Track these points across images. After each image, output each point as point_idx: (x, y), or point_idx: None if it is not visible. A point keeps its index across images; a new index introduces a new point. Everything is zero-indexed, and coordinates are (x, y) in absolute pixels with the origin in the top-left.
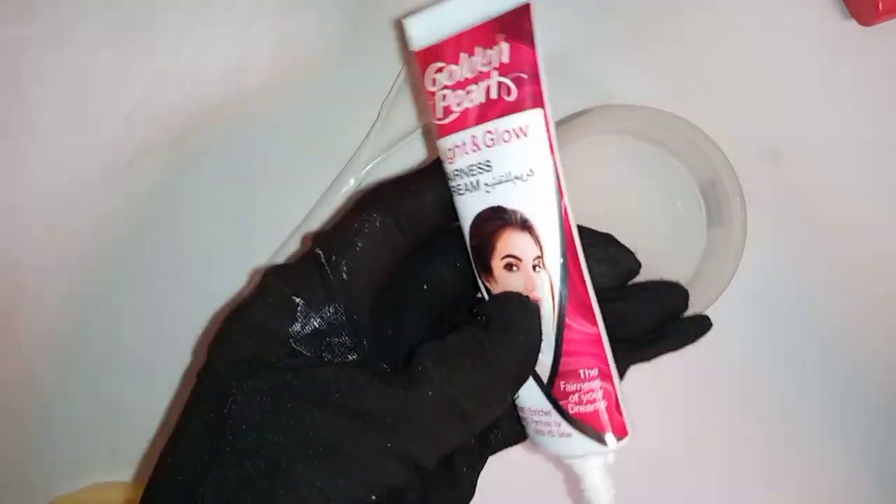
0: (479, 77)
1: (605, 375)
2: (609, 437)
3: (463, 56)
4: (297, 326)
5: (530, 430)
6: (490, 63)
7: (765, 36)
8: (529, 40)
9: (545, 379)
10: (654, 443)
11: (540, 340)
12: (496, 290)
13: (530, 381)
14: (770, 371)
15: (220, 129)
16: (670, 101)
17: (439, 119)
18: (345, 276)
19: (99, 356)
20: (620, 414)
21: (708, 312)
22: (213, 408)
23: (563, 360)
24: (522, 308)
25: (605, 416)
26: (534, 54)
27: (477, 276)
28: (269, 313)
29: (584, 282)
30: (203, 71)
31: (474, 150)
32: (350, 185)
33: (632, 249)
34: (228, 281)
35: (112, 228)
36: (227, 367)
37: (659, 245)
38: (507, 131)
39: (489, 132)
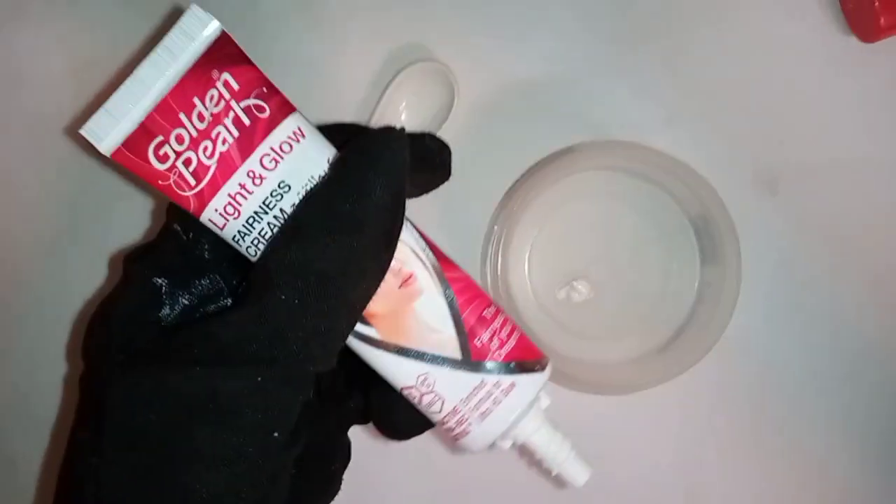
0: (217, 118)
1: (498, 308)
2: (545, 359)
3: (182, 116)
4: (165, 310)
5: (473, 433)
6: (222, 99)
7: (762, 55)
8: (246, 60)
9: (459, 355)
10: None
11: (405, 173)
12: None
13: (448, 377)
14: (772, 410)
15: None
16: (662, 128)
17: (195, 186)
18: (206, 250)
19: None
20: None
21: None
22: (95, 407)
23: (465, 316)
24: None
25: (529, 341)
26: (258, 70)
27: None
28: (134, 301)
29: (428, 240)
30: None
31: (258, 183)
32: None
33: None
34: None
35: None
36: (103, 362)
37: (652, 285)
38: (285, 141)
39: (266, 154)
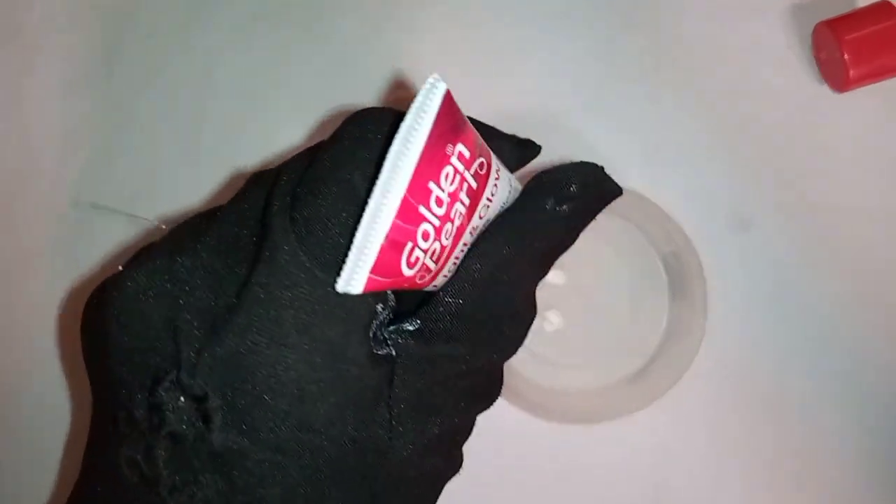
0: (455, 196)
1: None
2: None
3: (422, 210)
4: None
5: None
6: (457, 174)
7: (739, 100)
8: (467, 124)
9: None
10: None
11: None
12: None
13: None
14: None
15: None
16: (641, 166)
17: (434, 270)
18: None
19: None
20: None
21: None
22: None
23: None
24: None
25: None
26: (475, 133)
27: None
28: None
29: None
30: None
31: (473, 234)
32: None
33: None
34: None
35: None
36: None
37: (622, 317)
38: (493, 187)
39: (483, 205)
